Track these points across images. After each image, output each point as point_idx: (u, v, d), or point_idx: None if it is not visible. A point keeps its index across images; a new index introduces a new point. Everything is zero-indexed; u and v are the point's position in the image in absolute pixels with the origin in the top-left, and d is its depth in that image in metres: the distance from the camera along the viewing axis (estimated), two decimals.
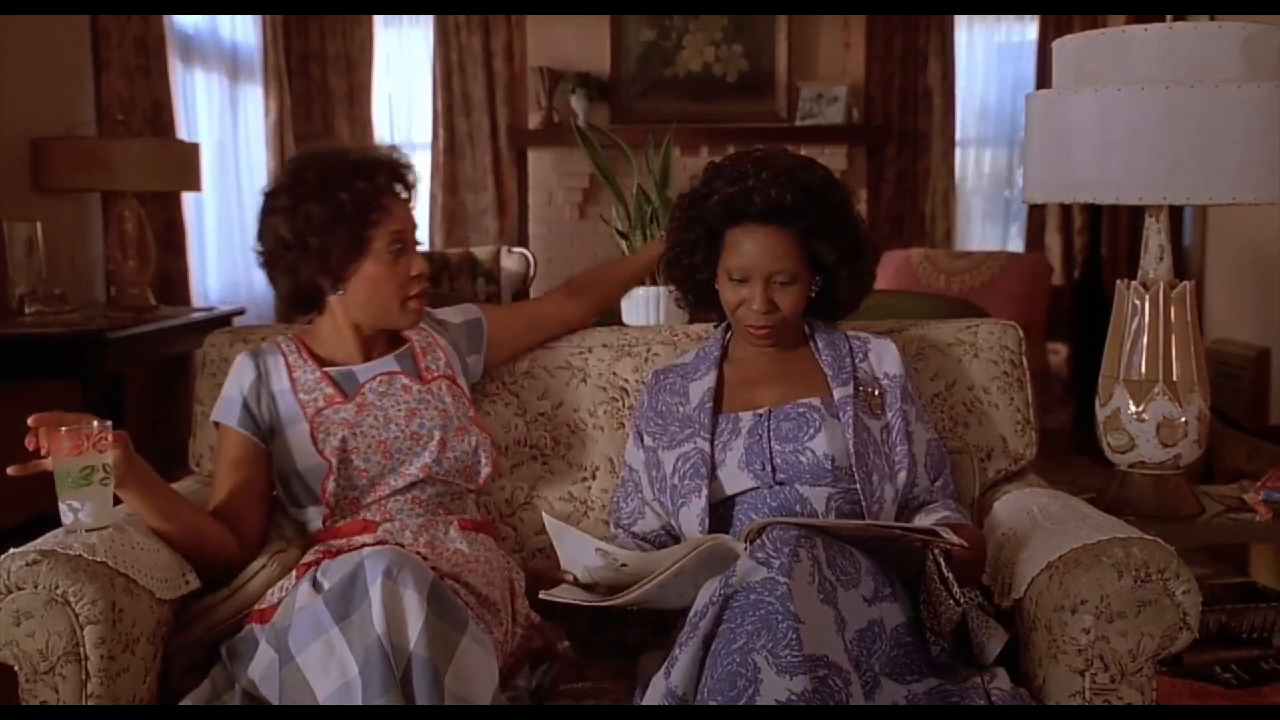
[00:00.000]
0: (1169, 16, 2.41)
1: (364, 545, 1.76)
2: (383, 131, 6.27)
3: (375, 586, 1.52)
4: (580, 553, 1.74)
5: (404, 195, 1.94)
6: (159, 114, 4.52)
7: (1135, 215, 5.78)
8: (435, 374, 1.97)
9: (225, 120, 5.26)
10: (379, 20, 6.21)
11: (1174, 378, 2.43)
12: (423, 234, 2.07)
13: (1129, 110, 2.29)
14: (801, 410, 1.91)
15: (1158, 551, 1.63)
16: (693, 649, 1.53)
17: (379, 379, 1.93)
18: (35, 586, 1.58)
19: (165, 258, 4.53)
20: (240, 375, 1.94)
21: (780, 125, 6.22)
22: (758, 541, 1.56)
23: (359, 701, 1.48)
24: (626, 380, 2.17)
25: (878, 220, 6.36)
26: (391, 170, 1.93)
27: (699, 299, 2.07)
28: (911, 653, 1.65)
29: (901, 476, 1.91)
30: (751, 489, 1.88)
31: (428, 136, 6.33)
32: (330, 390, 1.91)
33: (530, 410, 2.15)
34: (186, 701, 1.69)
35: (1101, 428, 2.53)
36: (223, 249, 5.24)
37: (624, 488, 2.05)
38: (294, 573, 1.76)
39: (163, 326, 3.95)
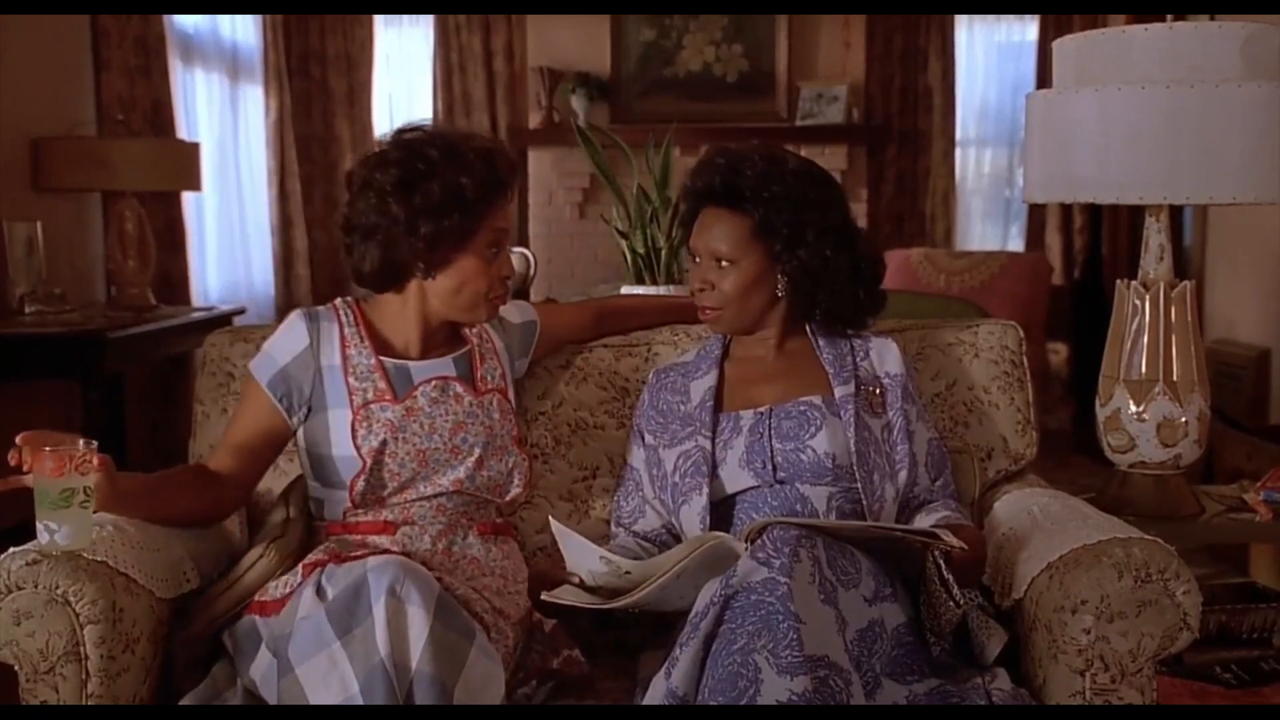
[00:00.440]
0: (1169, 16, 2.41)
1: (376, 550, 1.72)
2: (383, 131, 6.26)
3: (379, 605, 1.49)
4: (584, 558, 1.74)
5: (513, 190, 1.87)
6: (159, 114, 4.52)
7: (1135, 215, 5.78)
8: (489, 386, 1.92)
9: (225, 120, 5.26)
10: (379, 20, 6.21)
11: (1174, 378, 2.43)
12: None
13: (1129, 110, 2.29)
14: (803, 408, 1.91)
15: (1158, 551, 1.63)
16: (693, 649, 1.53)
17: (434, 383, 1.86)
18: (35, 586, 1.58)
19: (165, 257, 4.53)
20: (291, 338, 1.86)
21: (780, 125, 6.22)
22: (758, 542, 1.56)
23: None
24: (627, 380, 2.17)
25: (878, 220, 6.36)
26: (510, 163, 1.85)
27: None
28: (912, 653, 1.65)
29: (902, 476, 1.91)
30: (752, 487, 1.88)
31: None
32: (382, 385, 1.83)
33: (531, 409, 2.15)
34: (187, 700, 1.68)
35: (1102, 428, 2.53)
36: (223, 249, 5.24)
37: (624, 486, 2.05)
38: (299, 570, 1.71)
39: (163, 326, 3.96)
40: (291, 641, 1.55)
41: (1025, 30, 6.44)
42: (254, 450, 1.86)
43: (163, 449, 4.35)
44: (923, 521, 1.89)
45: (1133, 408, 2.45)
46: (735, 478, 1.89)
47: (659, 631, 1.85)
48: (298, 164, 5.70)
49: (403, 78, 6.36)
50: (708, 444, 1.91)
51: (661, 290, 2.49)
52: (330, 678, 1.50)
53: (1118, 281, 2.53)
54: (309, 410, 1.85)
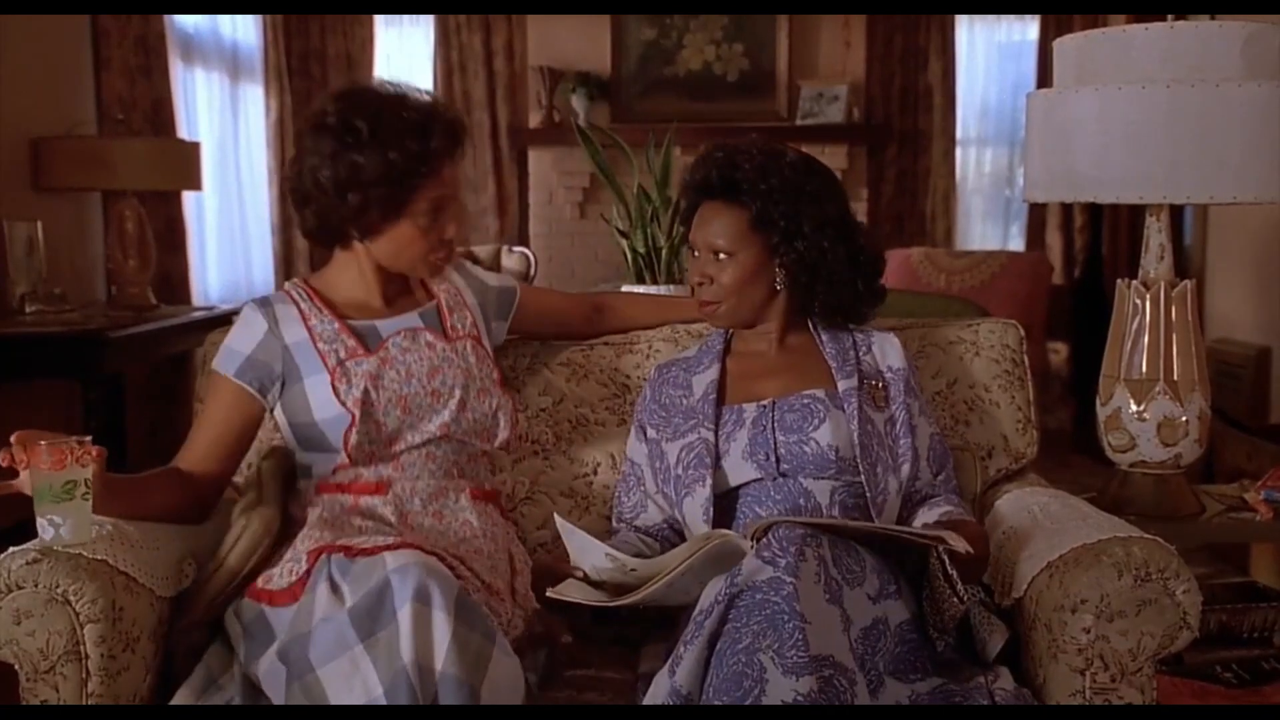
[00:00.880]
0: (1170, 16, 2.41)
1: (383, 546, 1.66)
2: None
3: (405, 610, 1.48)
4: (589, 554, 1.74)
5: (454, 156, 1.86)
6: (159, 113, 4.52)
7: (1136, 214, 5.78)
8: (461, 333, 1.94)
9: (226, 119, 5.25)
10: (379, 20, 6.21)
11: (1175, 377, 2.43)
12: None
13: (1130, 109, 2.29)
14: (806, 401, 1.91)
15: (1158, 551, 1.63)
16: (698, 648, 1.53)
17: (402, 334, 1.89)
18: (35, 585, 1.58)
19: (165, 257, 4.52)
20: (249, 328, 1.87)
21: (781, 124, 6.21)
22: (764, 540, 1.56)
23: None
24: (628, 376, 2.17)
25: (878, 220, 6.35)
26: (448, 130, 1.84)
27: None
28: (915, 650, 1.65)
29: (905, 469, 1.91)
30: (755, 480, 1.88)
31: None
32: (352, 342, 1.85)
33: (532, 405, 2.15)
34: (182, 690, 1.67)
35: (1102, 427, 2.53)
36: (223, 248, 5.24)
37: (625, 482, 2.05)
38: (304, 557, 1.68)
39: (163, 326, 3.95)
40: (311, 643, 1.54)
41: (1025, 30, 6.44)
42: (227, 445, 1.88)
43: (163, 449, 4.31)
44: (925, 516, 1.89)
45: (1133, 407, 2.45)
46: (738, 470, 1.89)
47: (661, 624, 1.85)
48: None
49: (403, 77, 6.32)
50: (710, 436, 1.91)
51: (662, 290, 2.49)
52: (353, 680, 1.49)
53: (1118, 281, 2.53)
54: (283, 386, 1.86)
